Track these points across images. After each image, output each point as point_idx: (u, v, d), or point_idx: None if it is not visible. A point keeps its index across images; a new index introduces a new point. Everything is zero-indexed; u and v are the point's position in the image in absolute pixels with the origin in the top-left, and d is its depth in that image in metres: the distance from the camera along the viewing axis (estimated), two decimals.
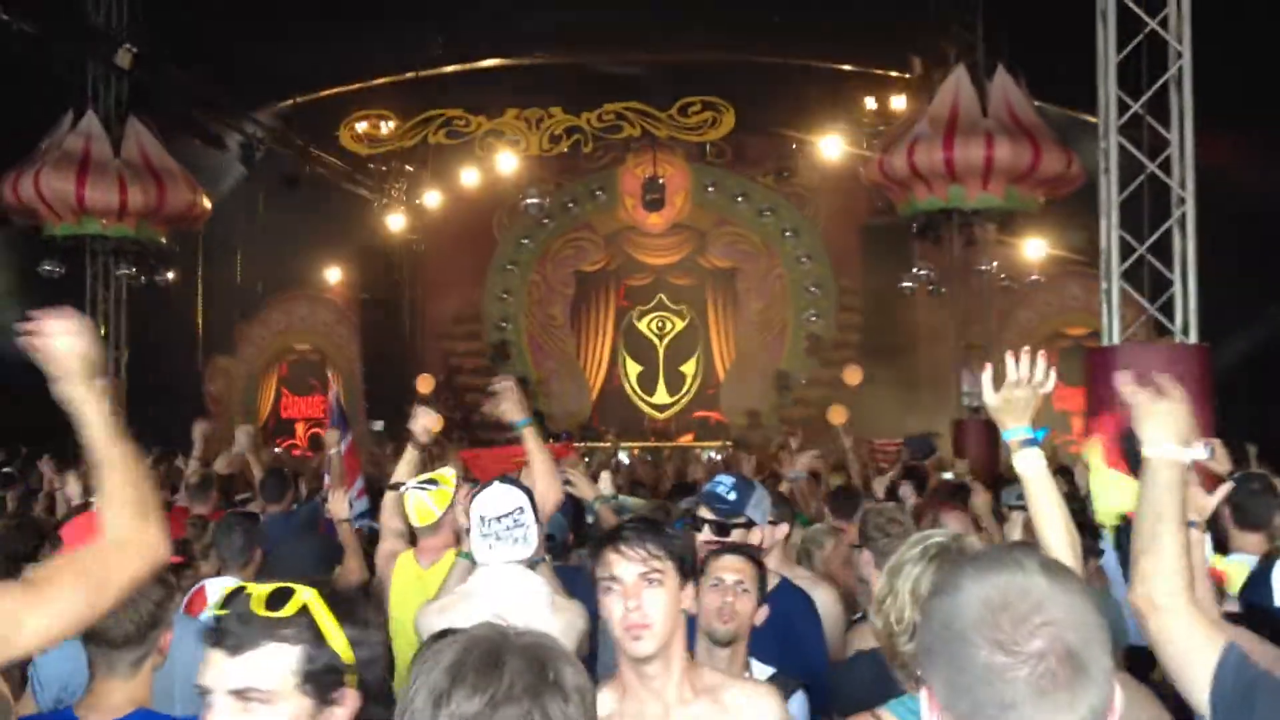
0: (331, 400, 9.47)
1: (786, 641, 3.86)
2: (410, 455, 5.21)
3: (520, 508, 3.98)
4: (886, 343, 21.11)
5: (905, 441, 12.64)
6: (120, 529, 2.37)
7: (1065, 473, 10.53)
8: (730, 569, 3.54)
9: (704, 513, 4.10)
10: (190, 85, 16.59)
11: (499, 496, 3.99)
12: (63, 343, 2.48)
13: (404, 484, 4.79)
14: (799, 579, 4.52)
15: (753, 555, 3.67)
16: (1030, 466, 2.84)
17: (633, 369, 24.42)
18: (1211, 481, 3.85)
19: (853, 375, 22.26)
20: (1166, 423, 2.57)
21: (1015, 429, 2.88)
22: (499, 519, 3.97)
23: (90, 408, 2.50)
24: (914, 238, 16.94)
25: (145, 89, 16.11)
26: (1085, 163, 13.70)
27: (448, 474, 4.84)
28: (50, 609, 2.19)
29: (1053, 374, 2.89)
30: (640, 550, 2.67)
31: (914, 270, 17.90)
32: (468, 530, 4.08)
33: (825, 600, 4.54)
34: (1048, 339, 21.65)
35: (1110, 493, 3.84)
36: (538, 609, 3.79)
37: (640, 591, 2.65)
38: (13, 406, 16.75)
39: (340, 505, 5.82)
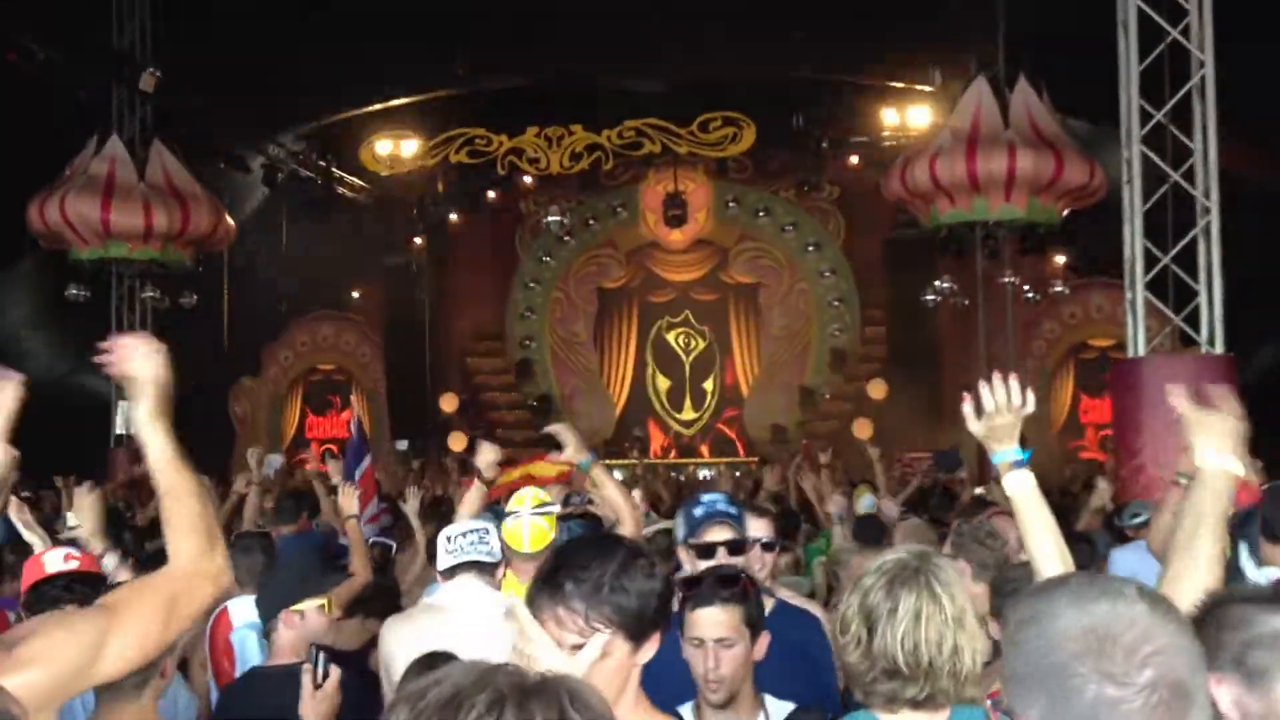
0: (352, 425, 9.44)
1: (799, 671, 3.63)
2: (477, 490, 5.18)
3: (487, 528, 4.29)
4: (911, 356, 21.00)
5: (934, 456, 12.61)
6: (188, 556, 2.37)
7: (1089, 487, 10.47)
8: (711, 624, 3.06)
9: (713, 534, 3.71)
10: (213, 108, 16.71)
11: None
12: (138, 365, 2.47)
13: (515, 512, 4.66)
14: (792, 599, 4.30)
15: (739, 596, 3.13)
16: (1020, 487, 2.83)
17: (662, 383, 24.39)
18: (1246, 494, 3.86)
19: (877, 389, 22.17)
20: (1220, 434, 2.62)
21: (1003, 451, 2.88)
22: (464, 534, 4.28)
23: (158, 434, 2.49)
24: (937, 251, 16.89)
25: (169, 113, 16.26)
26: (1109, 173, 13.63)
27: (545, 495, 4.86)
28: (129, 635, 2.19)
29: (1030, 396, 2.90)
30: (577, 620, 2.16)
31: (937, 283, 17.86)
32: None
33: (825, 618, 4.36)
34: (1072, 350, 21.60)
35: None
36: (496, 622, 3.69)
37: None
38: (39, 431, 16.91)
39: (350, 502, 5.84)
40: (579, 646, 2.10)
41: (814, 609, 4.40)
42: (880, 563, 2.58)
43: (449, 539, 4.28)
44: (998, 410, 2.87)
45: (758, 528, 4.14)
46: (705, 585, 3.16)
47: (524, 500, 4.67)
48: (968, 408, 2.91)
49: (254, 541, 5.36)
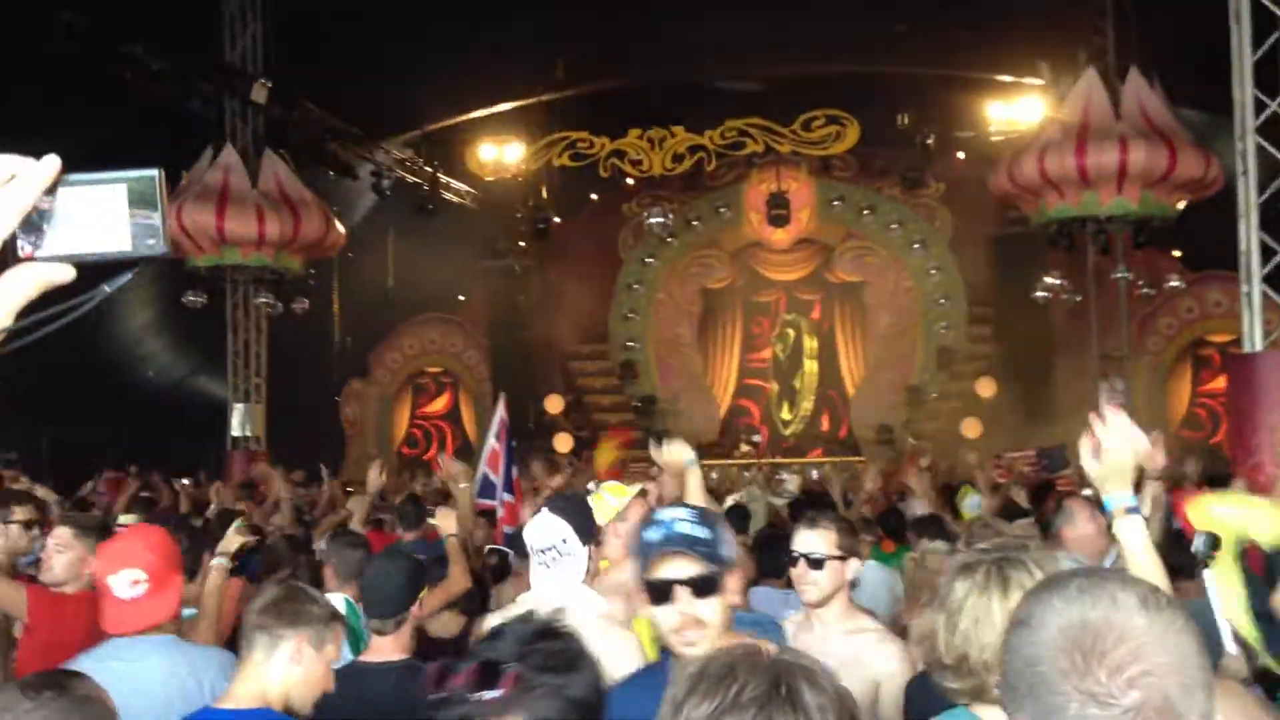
0: (495, 428, 9.06)
1: None
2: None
3: (564, 539, 3.99)
4: (1020, 354, 20.65)
5: (1038, 454, 12.36)
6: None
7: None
8: None
9: (668, 569, 2.68)
10: (322, 117, 17.08)
11: (543, 527, 4.02)
12: None
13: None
14: (866, 630, 3.92)
15: None
16: (1133, 536, 2.73)
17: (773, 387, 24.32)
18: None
19: (986, 388, 21.84)
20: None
21: (1117, 496, 2.77)
22: (543, 551, 4.02)
23: None
24: (1046, 246, 16.60)
25: (280, 122, 16.64)
26: (1225, 164, 13.27)
27: (625, 489, 4.87)
28: None
29: (1155, 435, 2.80)
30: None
31: (1047, 279, 17.54)
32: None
33: (894, 654, 3.85)
34: (1190, 346, 21.06)
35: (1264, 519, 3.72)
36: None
37: None
38: (160, 432, 17.43)
39: (448, 522, 5.92)
40: None
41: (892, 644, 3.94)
42: (960, 560, 2.56)
43: (532, 549, 4.13)
44: (1113, 450, 2.74)
45: (809, 541, 3.90)
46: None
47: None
48: (1085, 447, 2.83)
49: (350, 539, 5.50)
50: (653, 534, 2.74)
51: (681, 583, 2.64)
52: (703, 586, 2.65)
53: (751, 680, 1.57)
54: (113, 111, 13.71)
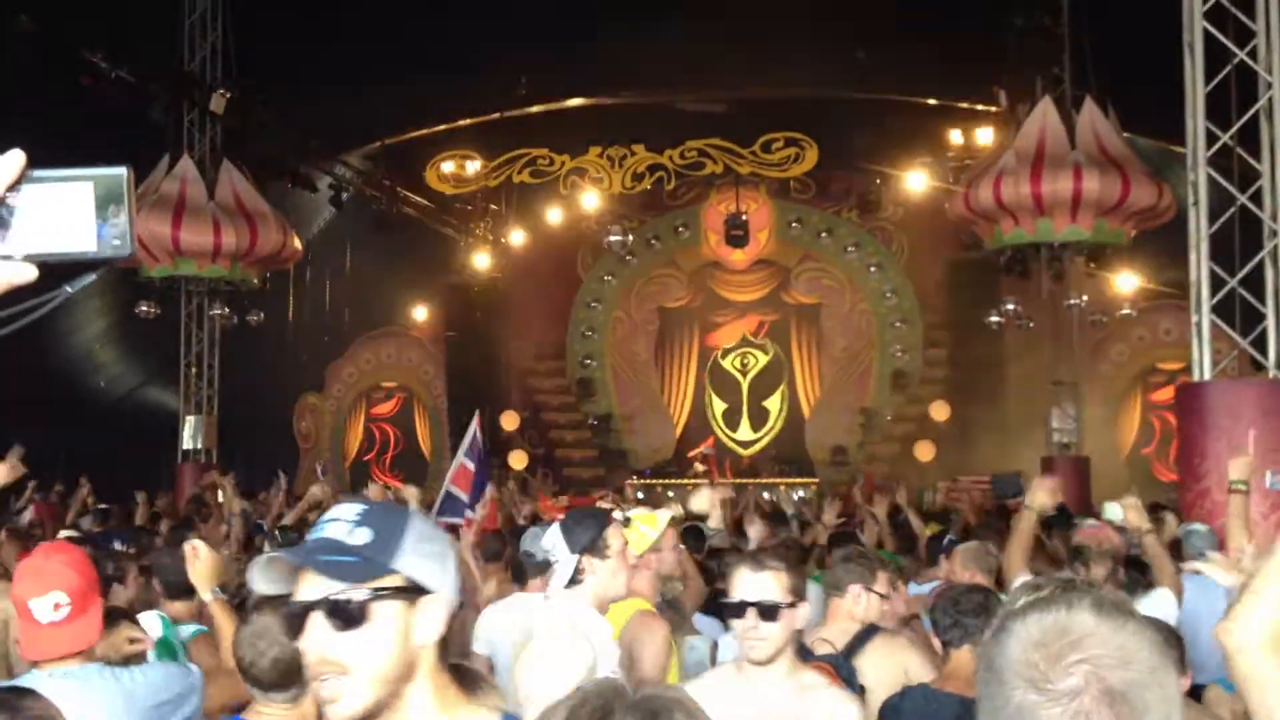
0: (470, 440, 9.02)
1: None
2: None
3: (552, 546, 4.03)
4: (974, 378, 20.84)
5: (993, 481, 12.47)
6: None
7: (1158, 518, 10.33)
8: None
9: (302, 588, 1.86)
10: (281, 129, 16.99)
11: (541, 538, 4.18)
12: None
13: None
14: (817, 688, 3.34)
15: None
16: None
17: (718, 406, 24.36)
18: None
19: (940, 411, 22.00)
20: None
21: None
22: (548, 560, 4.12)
23: None
24: (1001, 272, 16.76)
25: (238, 133, 16.54)
26: (1178, 194, 13.46)
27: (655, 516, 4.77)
28: None
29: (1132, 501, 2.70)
30: None
31: (1001, 305, 17.71)
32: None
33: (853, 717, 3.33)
34: (1141, 373, 21.30)
35: None
36: (554, 632, 3.52)
37: None
38: (110, 444, 17.22)
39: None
40: None
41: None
42: (1029, 580, 2.57)
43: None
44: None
45: (757, 587, 3.30)
46: None
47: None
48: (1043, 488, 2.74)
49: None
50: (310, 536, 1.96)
51: (314, 606, 1.83)
52: (339, 616, 1.82)
53: (628, 717, 1.57)
54: (70, 118, 13.57)
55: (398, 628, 1.85)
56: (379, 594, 1.83)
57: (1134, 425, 21.40)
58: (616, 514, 4.34)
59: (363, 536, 1.85)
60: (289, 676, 3.00)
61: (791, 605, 3.29)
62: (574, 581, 3.82)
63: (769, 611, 3.25)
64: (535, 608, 4.83)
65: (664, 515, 4.74)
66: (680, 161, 20.02)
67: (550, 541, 3.94)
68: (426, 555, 1.89)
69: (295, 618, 1.85)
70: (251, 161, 16.63)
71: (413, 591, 1.86)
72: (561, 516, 4.20)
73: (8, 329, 1.26)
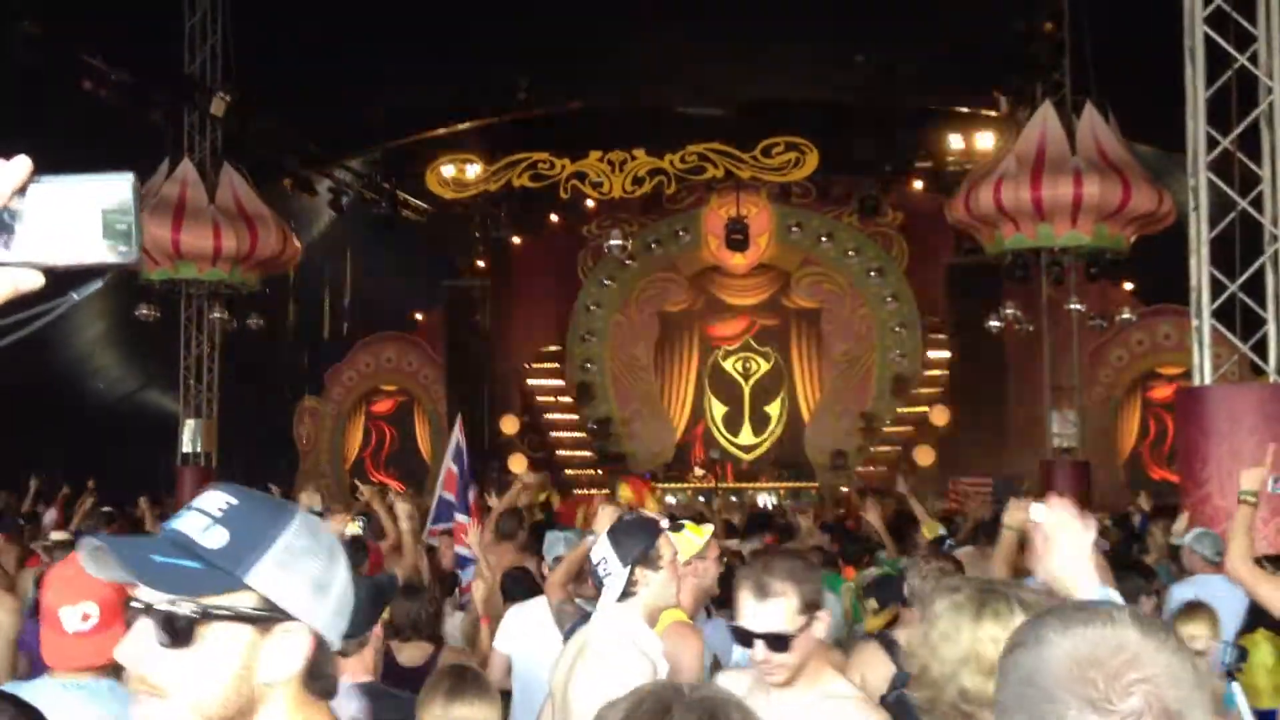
0: (454, 447, 9.20)
1: None
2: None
3: (604, 558, 3.89)
4: (974, 383, 20.84)
5: (995, 486, 12.50)
6: None
7: (1123, 521, 10.34)
8: None
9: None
10: (281, 132, 16.99)
11: (595, 549, 4.01)
12: None
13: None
14: (840, 698, 3.11)
15: None
16: None
17: (718, 409, 24.37)
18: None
19: (939, 415, 22.00)
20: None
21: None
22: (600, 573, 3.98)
23: None
24: (1001, 276, 16.77)
25: (238, 136, 16.54)
26: (1178, 199, 13.45)
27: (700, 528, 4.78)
28: None
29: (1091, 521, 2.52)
30: None
31: (1001, 309, 17.70)
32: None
33: None
34: (1140, 378, 21.30)
35: None
36: (610, 647, 3.60)
37: None
38: (110, 447, 17.22)
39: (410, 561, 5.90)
40: None
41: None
42: (953, 581, 2.66)
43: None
44: (1065, 546, 2.40)
45: (765, 618, 3.04)
46: None
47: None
48: (1035, 538, 2.64)
49: None
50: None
51: (143, 611, 1.52)
52: (167, 630, 1.51)
53: (688, 716, 1.59)
54: (71, 122, 13.58)
55: (236, 656, 1.51)
56: (211, 613, 1.49)
57: (1133, 430, 21.40)
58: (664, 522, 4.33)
59: (216, 538, 1.51)
60: None
61: (806, 626, 3.04)
62: (626, 594, 3.70)
63: (779, 643, 3.02)
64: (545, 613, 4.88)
65: (708, 527, 4.71)
66: (681, 166, 20.00)
67: (600, 554, 3.84)
68: (295, 574, 1.54)
69: (131, 619, 1.53)
70: (252, 165, 16.62)
71: (264, 616, 1.52)
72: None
73: (14, 336, 1.26)
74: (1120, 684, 1.36)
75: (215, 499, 1.55)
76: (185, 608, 1.48)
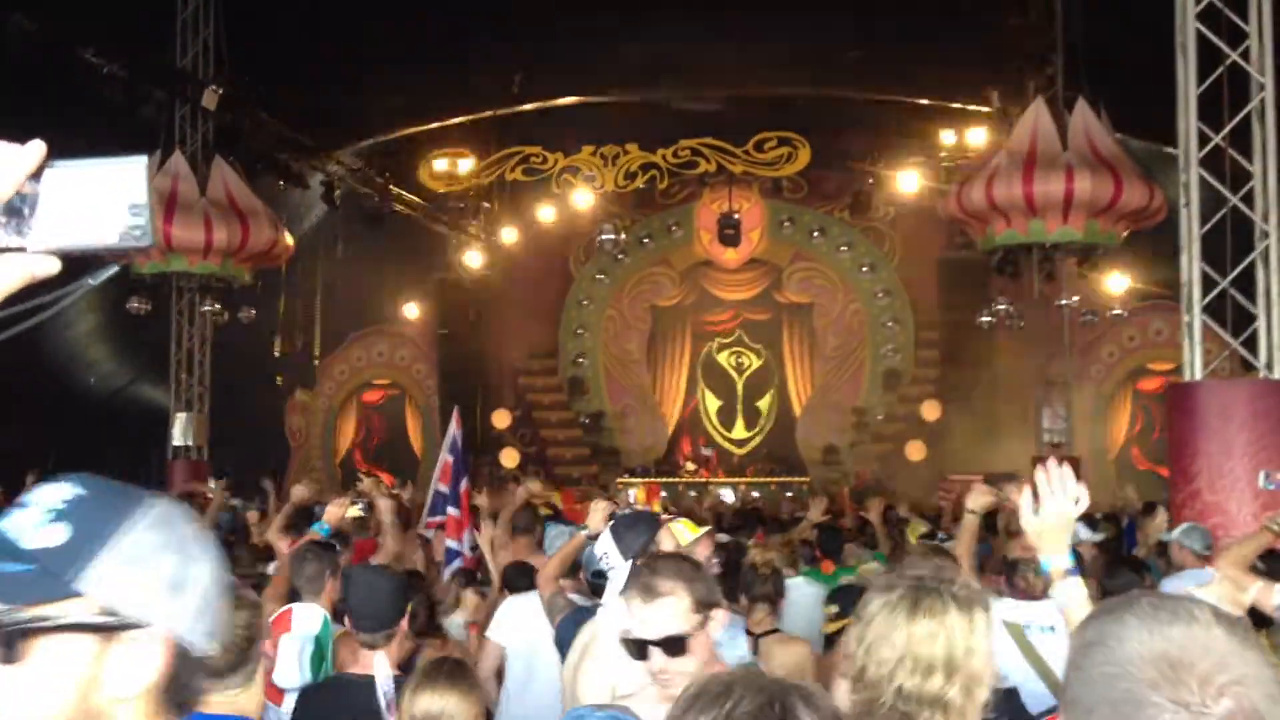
0: (450, 439, 9.21)
1: None
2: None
3: (605, 553, 4.01)
4: (965, 378, 20.86)
5: (986, 481, 12.47)
6: None
7: (1112, 519, 10.35)
8: None
9: None
10: (273, 125, 16.95)
11: (598, 544, 4.08)
12: None
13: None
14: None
15: None
16: (1074, 599, 2.73)
17: (712, 403, 24.38)
18: None
19: (931, 410, 22.03)
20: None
21: (1056, 558, 2.76)
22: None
23: None
24: (993, 272, 16.80)
25: (230, 130, 16.49)
26: (1170, 195, 13.48)
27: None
28: None
29: (1084, 491, 2.72)
30: None
31: (993, 304, 17.73)
32: None
33: None
34: (1131, 374, 21.35)
35: None
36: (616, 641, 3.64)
37: None
38: (101, 440, 17.18)
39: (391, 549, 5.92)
40: None
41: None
42: (883, 580, 2.60)
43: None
44: (1054, 510, 2.72)
45: (655, 621, 2.84)
46: None
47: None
48: (1025, 499, 2.78)
49: (309, 551, 5.41)
50: None
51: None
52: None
53: (747, 696, 1.61)
54: (62, 114, 13.52)
55: (77, 671, 1.30)
56: (37, 625, 1.27)
57: (1124, 425, 21.44)
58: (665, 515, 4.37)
59: (52, 536, 1.30)
60: (240, 659, 2.99)
61: (702, 625, 2.85)
62: None
63: (675, 645, 2.80)
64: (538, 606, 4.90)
65: (703, 528, 4.77)
66: (673, 160, 20.03)
67: (602, 549, 3.91)
68: (144, 573, 1.33)
69: None
70: (243, 158, 16.58)
71: (106, 625, 1.30)
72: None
73: (30, 322, 1.24)
74: (1213, 687, 1.34)
75: (59, 491, 1.34)
76: (9, 620, 1.26)
